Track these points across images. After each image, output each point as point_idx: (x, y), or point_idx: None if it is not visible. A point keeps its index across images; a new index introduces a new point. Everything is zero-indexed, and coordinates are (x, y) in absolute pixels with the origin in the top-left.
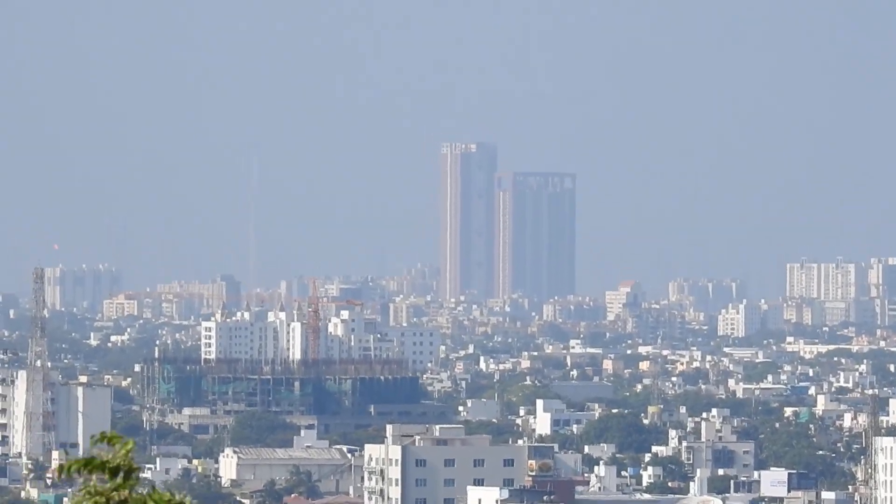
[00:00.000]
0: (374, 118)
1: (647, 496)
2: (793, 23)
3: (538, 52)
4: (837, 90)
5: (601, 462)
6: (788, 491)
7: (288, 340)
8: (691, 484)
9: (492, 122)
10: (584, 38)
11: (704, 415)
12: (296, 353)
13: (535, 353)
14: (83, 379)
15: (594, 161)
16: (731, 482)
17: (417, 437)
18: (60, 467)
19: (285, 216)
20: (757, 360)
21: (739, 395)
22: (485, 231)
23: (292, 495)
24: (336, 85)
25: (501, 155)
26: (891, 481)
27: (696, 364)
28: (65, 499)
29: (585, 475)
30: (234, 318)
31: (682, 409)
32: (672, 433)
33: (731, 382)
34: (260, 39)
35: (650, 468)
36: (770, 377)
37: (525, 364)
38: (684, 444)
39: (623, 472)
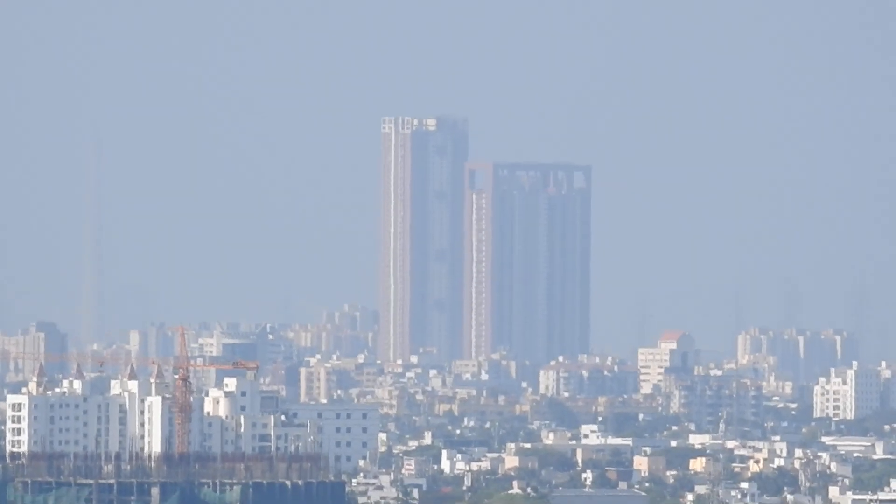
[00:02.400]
0: (280, 87)
1: None
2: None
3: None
4: None
5: None
6: None
7: (142, 424)
8: None
9: (460, 91)
10: None
11: None
12: (154, 445)
13: (528, 446)
14: None
15: (618, 148)
16: None
17: None
18: None
19: (137, 232)
20: (874, 457)
21: None
22: (449, 254)
23: None
24: (207, 41)
25: (475, 136)
26: None
27: (779, 462)
28: None
29: None
30: (57, 390)
31: None
32: None
33: (835, 491)
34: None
35: None
36: (894, 483)
37: (512, 462)
38: None
39: None
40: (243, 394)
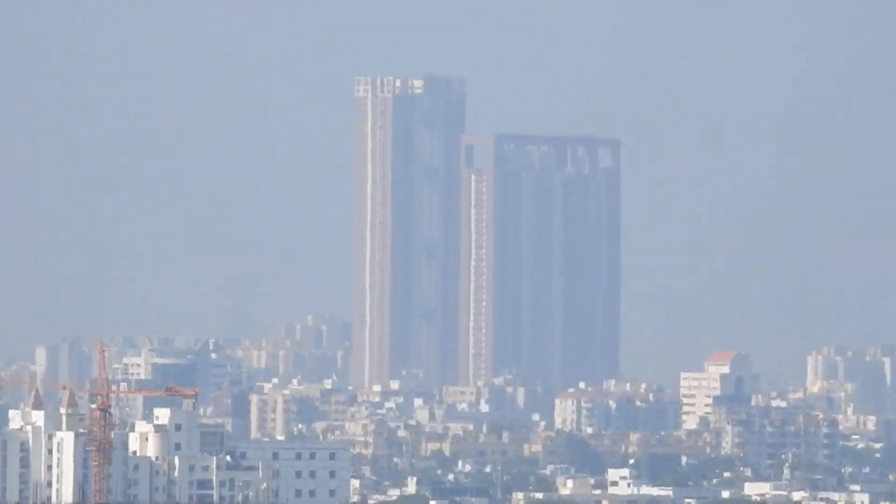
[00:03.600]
0: (227, 39)
1: None
2: None
3: None
4: None
5: None
6: None
7: (49, 467)
8: None
9: (455, 45)
10: None
11: None
12: (65, 493)
13: (540, 496)
14: None
15: (654, 117)
16: None
17: None
18: None
19: (45, 224)
20: None
21: None
22: (441, 250)
23: None
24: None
25: (474, 101)
26: None
27: None
28: None
29: None
30: None
31: None
32: None
33: None
34: None
35: None
36: None
37: None
38: None
39: None
40: (178, 428)
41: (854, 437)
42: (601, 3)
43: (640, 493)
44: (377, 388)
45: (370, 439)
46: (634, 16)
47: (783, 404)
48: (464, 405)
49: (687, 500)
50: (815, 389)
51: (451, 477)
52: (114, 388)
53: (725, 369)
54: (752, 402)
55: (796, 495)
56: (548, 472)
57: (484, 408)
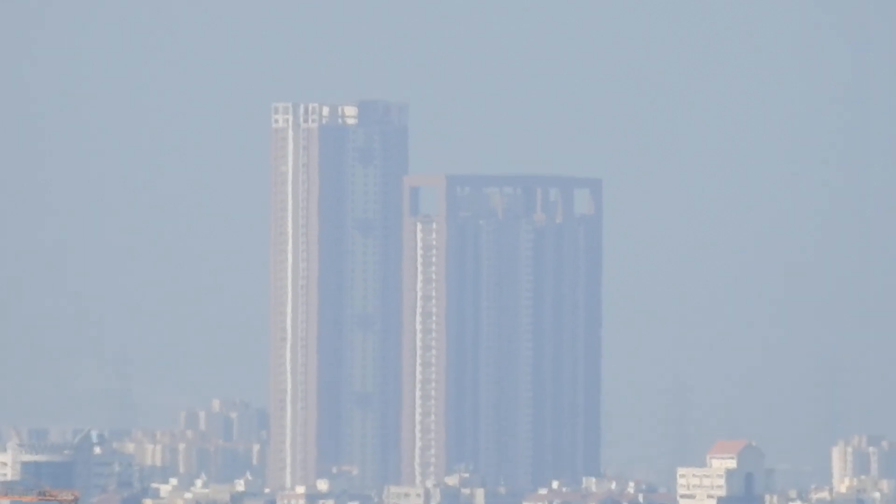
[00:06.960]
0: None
1: None
2: None
3: None
4: None
5: None
6: None
7: None
8: None
9: (396, 64)
10: None
11: None
12: None
13: None
14: None
15: (643, 153)
16: None
17: None
18: None
19: None
20: None
21: None
22: (378, 319)
23: None
24: None
25: (420, 134)
26: None
27: None
28: None
29: None
30: None
31: None
32: None
33: None
34: None
35: None
36: None
37: None
38: None
39: None
40: None
41: None
42: (576, 10)
43: None
44: (301, 489)
45: None
46: (617, 27)
47: None
48: None
49: None
50: (843, 489)
51: None
52: None
53: (732, 464)
54: None
55: None
56: None
57: None
